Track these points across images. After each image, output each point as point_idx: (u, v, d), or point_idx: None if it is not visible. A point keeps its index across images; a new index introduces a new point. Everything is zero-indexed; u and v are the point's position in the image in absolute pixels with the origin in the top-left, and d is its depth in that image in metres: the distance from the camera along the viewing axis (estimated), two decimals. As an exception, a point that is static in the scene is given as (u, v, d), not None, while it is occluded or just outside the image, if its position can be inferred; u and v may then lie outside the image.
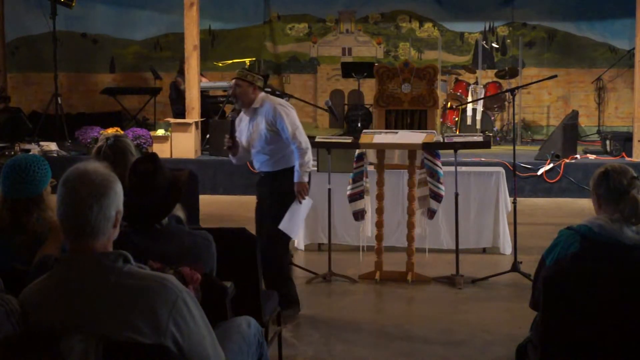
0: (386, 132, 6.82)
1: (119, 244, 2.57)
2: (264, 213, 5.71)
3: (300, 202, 5.60)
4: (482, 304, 5.96)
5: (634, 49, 11.15)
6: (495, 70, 13.23)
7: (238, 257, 3.96)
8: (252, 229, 4.26)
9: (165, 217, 3.33)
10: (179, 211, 3.47)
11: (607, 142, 11.36)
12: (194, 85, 11.06)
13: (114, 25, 14.36)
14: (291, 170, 5.61)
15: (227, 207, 9.73)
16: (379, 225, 6.58)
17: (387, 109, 7.73)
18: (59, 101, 11.93)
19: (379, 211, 6.58)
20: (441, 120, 12.23)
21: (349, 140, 6.72)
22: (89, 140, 10.98)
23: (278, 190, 5.62)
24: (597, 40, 13.91)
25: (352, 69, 12.88)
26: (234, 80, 5.60)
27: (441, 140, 6.69)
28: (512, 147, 7.20)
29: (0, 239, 3.52)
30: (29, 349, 2.39)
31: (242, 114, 5.73)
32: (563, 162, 10.37)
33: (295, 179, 5.57)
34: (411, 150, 6.53)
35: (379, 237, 6.56)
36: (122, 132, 10.18)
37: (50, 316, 2.43)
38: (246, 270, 4.00)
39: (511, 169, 7.55)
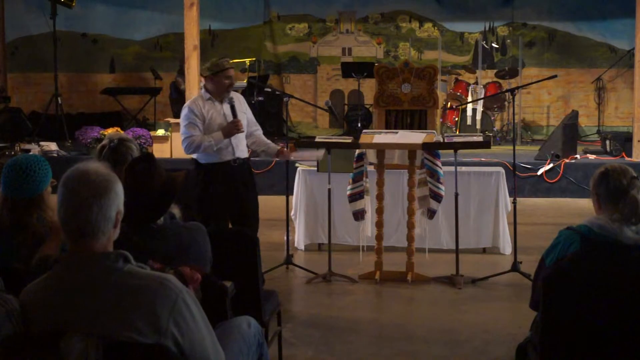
0: (386, 132, 6.81)
1: (118, 244, 2.57)
2: (243, 198, 5.88)
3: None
4: (482, 304, 5.96)
5: (633, 49, 11.14)
6: (495, 70, 13.23)
7: (238, 257, 3.96)
8: (252, 229, 4.25)
9: (161, 217, 3.33)
10: (173, 208, 3.48)
11: (607, 142, 11.36)
12: (194, 85, 11.06)
13: (114, 25, 14.36)
14: None
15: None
16: (379, 225, 6.57)
17: (387, 109, 7.73)
18: (59, 101, 11.93)
19: (379, 211, 6.58)
20: (441, 120, 12.22)
21: (349, 140, 6.72)
22: (89, 140, 10.98)
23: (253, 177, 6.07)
24: (597, 40, 13.91)
25: (352, 69, 12.88)
26: (231, 70, 5.84)
27: (441, 140, 6.69)
28: (512, 147, 7.20)
29: (1, 238, 3.52)
30: (29, 349, 2.39)
31: (200, 103, 5.85)
32: (563, 162, 10.37)
33: (277, 147, 6.16)
34: (411, 150, 6.53)
35: (379, 237, 6.56)
36: (122, 133, 10.16)
37: (50, 316, 2.44)
38: (246, 270, 4.00)
39: (511, 169, 7.55)
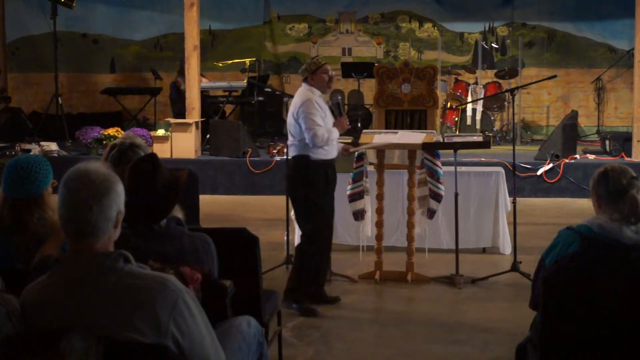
0: (386, 132, 6.82)
1: (119, 245, 2.57)
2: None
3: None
4: (482, 304, 5.96)
5: (633, 49, 11.14)
6: (495, 71, 13.22)
7: (238, 257, 3.95)
8: (252, 229, 4.23)
9: (164, 218, 3.29)
10: (178, 212, 3.45)
11: (607, 142, 11.36)
12: (194, 85, 11.06)
13: (114, 25, 14.36)
14: None
15: (227, 207, 9.74)
16: (379, 225, 6.58)
17: (387, 109, 7.74)
18: (60, 101, 11.94)
19: (379, 211, 6.58)
20: (441, 120, 12.22)
21: (349, 140, 6.72)
22: (89, 140, 10.98)
23: None
24: (596, 41, 13.91)
25: (352, 69, 12.88)
26: (327, 65, 5.87)
27: (441, 140, 6.70)
28: (512, 147, 7.21)
29: (1, 238, 3.52)
30: (29, 349, 2.39)
31: (317, 99, 5.73)
32: (563, 162, 10.37)
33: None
34: (411, 150, 6.53)
35: (379, 237, 6.56)
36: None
37: (51, 316, 2.44)
38: (246, 270, 4.00)
39: (511, 169, 7.55)
